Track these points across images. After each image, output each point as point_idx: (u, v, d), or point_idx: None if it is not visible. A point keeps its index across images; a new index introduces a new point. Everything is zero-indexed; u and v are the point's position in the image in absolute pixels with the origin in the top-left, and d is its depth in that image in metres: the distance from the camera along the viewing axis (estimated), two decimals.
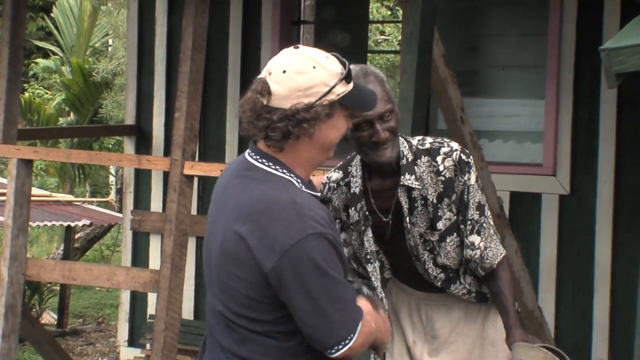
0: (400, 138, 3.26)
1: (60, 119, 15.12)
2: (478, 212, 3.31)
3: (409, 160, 3.24)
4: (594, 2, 5.90)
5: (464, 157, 3.28)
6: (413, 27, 4.70)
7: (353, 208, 3.29)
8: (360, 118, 3.08)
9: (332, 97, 2.60)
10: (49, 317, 9.88)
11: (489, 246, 3.33)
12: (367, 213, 3.27)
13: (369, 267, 3.34)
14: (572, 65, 5.98)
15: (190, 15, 5.73)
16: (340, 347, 2.57)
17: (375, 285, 3.35)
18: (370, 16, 14.70)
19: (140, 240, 7.25)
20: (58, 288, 9.58)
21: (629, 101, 5.82)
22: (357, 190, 3.28)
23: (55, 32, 15.87)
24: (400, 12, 12.80)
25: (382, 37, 17.84)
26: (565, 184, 5.98)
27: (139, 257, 7.24)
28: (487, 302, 3.43)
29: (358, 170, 3.29)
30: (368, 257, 3.33)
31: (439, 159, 3.27)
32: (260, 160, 2.64)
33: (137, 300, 7.28)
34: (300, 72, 2.60)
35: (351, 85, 2.66)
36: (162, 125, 7.14)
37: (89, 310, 10.48)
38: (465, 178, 3.27)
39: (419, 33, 4.61)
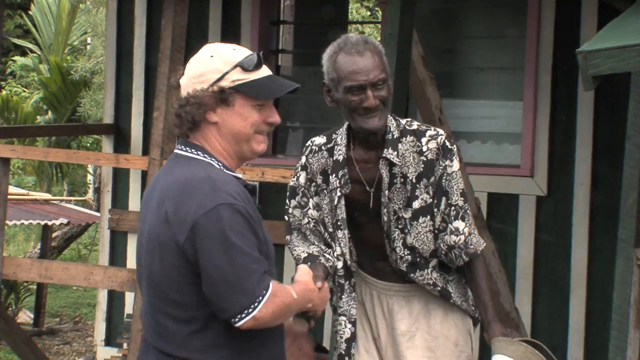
0: (389, 115, 3.34)
1: (38, 117, 15.04)
2: (462, 199, 3.37)
3: (395, 136, 3.32)
4: (572, 5, 5.93)
5: (448, 143, 3.36)
6: (392, 29, 4.72)
7: (334, 175, 3.36)
8: (354, 82, 3.20)
9: (224, 83, 2.70)
10: (25, 317, 9.83)
11: (472, 232, 3.38)
12: (348, 181, 3.34)
13: (339, 234, 3.39)
14: (550, 68, 6.01)
15: (169, 15, 5.72)
16: (244, 315, 2.59)
17: (345, 251, 3.39)
18: (350, 17, 14.71)
19: (117, 239, 7.23)
20: (35, 287, 9.54)
21: (606, 104, 5.85)
22: (341, 158, 3.36)
23: (34, 30, 15.79)
24: (380, 13, 12.82)
25: None
26: (543, 185, 6.01)
27: (117, 257, 7.22)
28: (450, 300, 3.44)
29: (343, 139, 3.38)
30: (339, 223, 3.38)
31: (424, 140, 3.34)
32: (184, 149, 2.77)
33: (115, 300, 7.26)
34: (198, 61, 2.75)
35: (256, 75, 2.74)
36: (141, 124, 7.13)
37: (65, 310, 10.45)
38: (447, 163, 3.34)
39: (398, 34, 4.63)
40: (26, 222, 8.82)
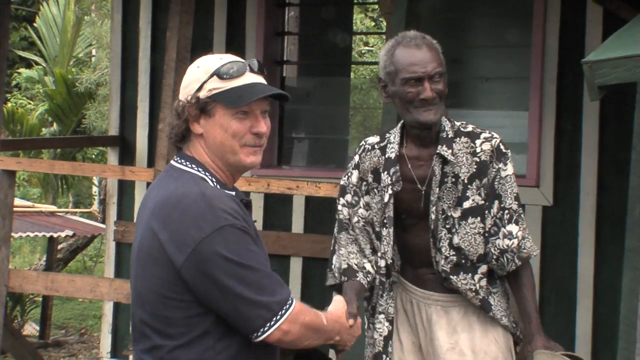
0: (444, 118, 3.37)
1: (44, 129, 15.08)
2: (516, 203, 3.37)
3: (449, 136, 3.34)
4: (577, 14, 5.93)
5: (502, 147, 3.39)
6: None
7: (386, 172, 3.37)
8: (412, 74, 3.24)
9: (202, 93, 2.64)
10: (31, 329, 9.83)
11: (526, 237, 3.37)
12: (400, 178, 3.34)
13: (384, 232, 3.39)
14: (555, 78, 6.01)
15: (174, 27, 5.73)
16: (266, 328, 2.56)
17: (387, 250, 3.38)
18: (354, 27, 14.73)
19: (123, 251, 7.23)
20: (40, 299, 9.54)
21: (612, 113, 5.84)
22: (393, 156, 3.37)
23: (39, 42, 15.83)
24: (384, 23, 12.81)
25: (366, 48, 17.86)
26: (549, 195, 6.00)
27: (122, 268, 7.21)
28: (489, 312, 3.40)
29: (396, 137, 3.40)
30: (385, 221, 3.38)
31: (478, 141, 3.37)
32: (179, 162, 2.70)
33: (120, 312, 7.25)
34: (187, 73, 2.73)
35: (234, 83, 2.65)
36: (146, 136, 7.13)
37: (71, 322, 10.44)
38: (500, 166, 3.35)
39: None
40: (32, 234, 8.83)
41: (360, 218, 3.44)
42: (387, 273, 3.43)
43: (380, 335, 3.44)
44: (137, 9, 7.18)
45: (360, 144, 3.49)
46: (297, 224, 6.64)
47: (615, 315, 4.82)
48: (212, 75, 2.64)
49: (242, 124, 2.65)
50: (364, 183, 3.43)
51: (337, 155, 7.56)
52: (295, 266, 6.58)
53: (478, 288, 3.37)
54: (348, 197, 3.46)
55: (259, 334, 2.57)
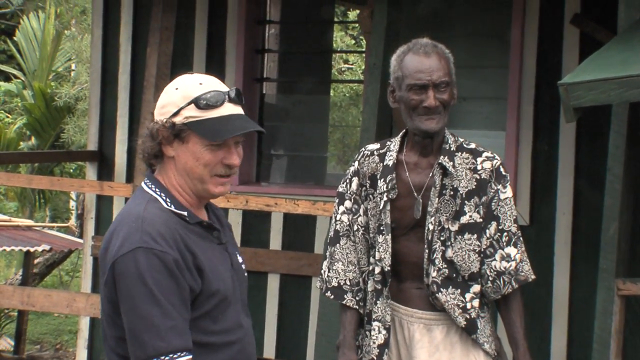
0: (447, 131, 3.39)
1: (22, 143, 15.02)
2: (515, 225, 3.38)
3: (451, 148, 3.37)
4: (554, 36, 5.99)
5: (502, 169, 3.42)
6: (376, 58, 4.77)
7: (382, 179, 3.37)
8: (417, 80, 3.28)
9: (178, 119, 2.59)
10: (5, 344, 9.78)
11: (524, 260, 3.38)
12: (395, 186, 3.34)
13: (380, 238, 3.37)
14: (533, 98, 6.06)
15: (154, 43, 5.75)
16: None
17: (384, 257, 3.36)
18: (334, 45, 14.78)
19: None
20: (15, 313, 9.49)
21: (587, 134, 5.89)
22: (391, 163, 3.38)
23: (18, 55, 15.79)
24: (364, 41, 12.87)
25: (346, 65, 17.91)
26: (525, 214, 6.04)
27: (100, 284, 7.19)
28: (472, 335, 3.37)
29: (396, 145, 3.41)
30: (381, 228, 3.37)
31: (479, 159, 3.40)
32: (145, 182, 2.70)
33: (97, 327, 7.22)
34: (164, 92, 2.68)
35: (212, 113, 2.59)
36: (125, 151, 7.12)
37: (46, 337, 10.39)
38: (499, 187, 3.37)
39: (382, 64, 4.67)
40: (8, 249, 8.78)
41: (360, 226, 3.43)
42: (382, 280, 3.39)
43: (374, 343, 3.39)
44: (118, 24, 7.19)
45: (360, 151, 3.50)
46: (275, 241, 6.65)
47: (589, 334, 4.85)
48: (190, 103, 2.59)
49: (214, 155, 2.60)
50: (363, 189, 3.43)
51: (315, 173, 7.59)
52: (273, 283, 6.59)
53: (469, 307, 3.35)
54: (348, 203, 3.44)
55: None
